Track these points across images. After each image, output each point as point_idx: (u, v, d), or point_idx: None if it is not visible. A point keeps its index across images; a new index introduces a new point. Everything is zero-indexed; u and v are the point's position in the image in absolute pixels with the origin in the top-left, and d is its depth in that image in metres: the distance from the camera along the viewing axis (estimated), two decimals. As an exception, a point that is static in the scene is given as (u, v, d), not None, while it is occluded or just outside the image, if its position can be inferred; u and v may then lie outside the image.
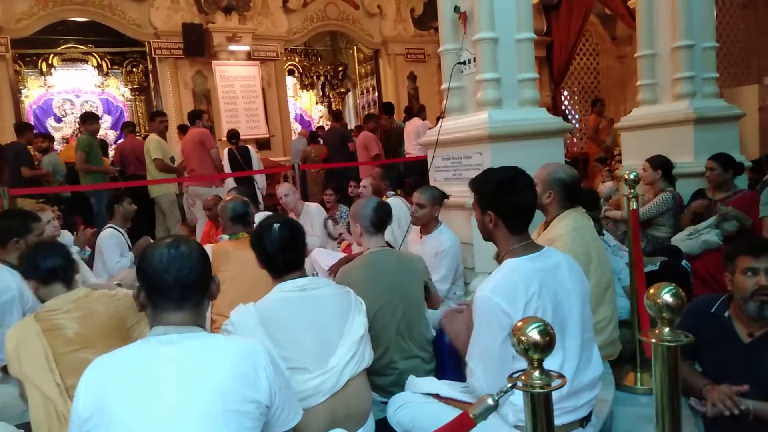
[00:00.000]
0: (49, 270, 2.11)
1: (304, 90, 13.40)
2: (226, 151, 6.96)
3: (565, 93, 10.12)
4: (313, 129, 11.64)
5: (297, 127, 12.43)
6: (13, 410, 2.46)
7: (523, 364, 1.10)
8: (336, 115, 8.81)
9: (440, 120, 3.87)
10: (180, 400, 1.25)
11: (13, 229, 2.82)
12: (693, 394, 1.98)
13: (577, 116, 10.26)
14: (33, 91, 10.98)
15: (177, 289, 1.34)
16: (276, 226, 1.99)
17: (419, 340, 2.43)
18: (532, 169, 2.74)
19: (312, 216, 4.72)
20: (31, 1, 8.13)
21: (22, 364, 1.95)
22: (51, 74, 11.00)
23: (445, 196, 3.36)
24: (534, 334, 1.06)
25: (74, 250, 3.82)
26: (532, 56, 3.57)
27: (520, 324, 1.09)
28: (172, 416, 1.23)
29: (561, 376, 1.08)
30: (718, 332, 2.01)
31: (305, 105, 13.63)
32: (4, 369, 2.63)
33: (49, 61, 10.86)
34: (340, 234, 4.75)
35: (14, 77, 8.95)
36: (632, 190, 2.71)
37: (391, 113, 8.16)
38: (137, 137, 7.85)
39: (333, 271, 3.76)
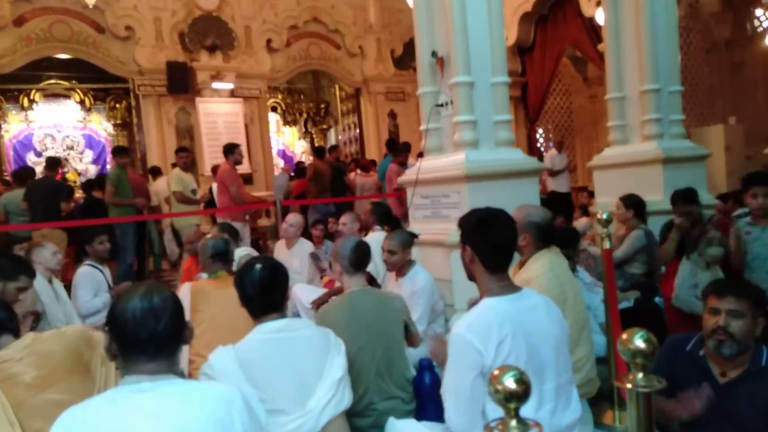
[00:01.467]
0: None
1: (287, 126, 13.54)
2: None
3: (540, 131, 10.40)
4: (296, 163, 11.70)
5: (279, 162, 12.52)
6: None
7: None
8: (330, 149, 8.81)
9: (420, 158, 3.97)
10: None
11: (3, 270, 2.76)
12: (669, 416, 2.01)
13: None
14: (13, 126, 10.91)
15: (151, 345, 1.32)
16: (258, 267, 2.02)
17: (399, 381, 2.42)
18: (508, 209, 2.84)
19: (305, 251, 4.74)
20: (14, 37, 8.16)
21: None
22: (32, 109, 10.96)
23: (414, 236, 3.39)
24: (510, 383, 1.06)
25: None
26: (506, 99, 3.70)
27: (496, 372, 1.10)
28: None
29: (537, 424, 1.09)
30: (693, 371, 2.04)
31: (288, 141, 13.75)
32: None
33: (31, 97, 10.85)
34: (324, 269, 4.76)
35: (-6, 113, 8.93)
36: (605, 230, 2.77)
37: (322, 156, 8.26)
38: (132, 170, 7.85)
39: (316, 305, 3.76)
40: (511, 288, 1.85)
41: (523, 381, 1.07)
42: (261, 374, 1.89)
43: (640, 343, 1.15)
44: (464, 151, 3.51)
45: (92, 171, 11.30)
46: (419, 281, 3.16)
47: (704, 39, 8.82)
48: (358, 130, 11.57)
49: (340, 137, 12.74)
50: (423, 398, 2.48)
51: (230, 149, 6.23)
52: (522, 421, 1.07)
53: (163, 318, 1.33)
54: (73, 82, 11.00)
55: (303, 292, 4.03)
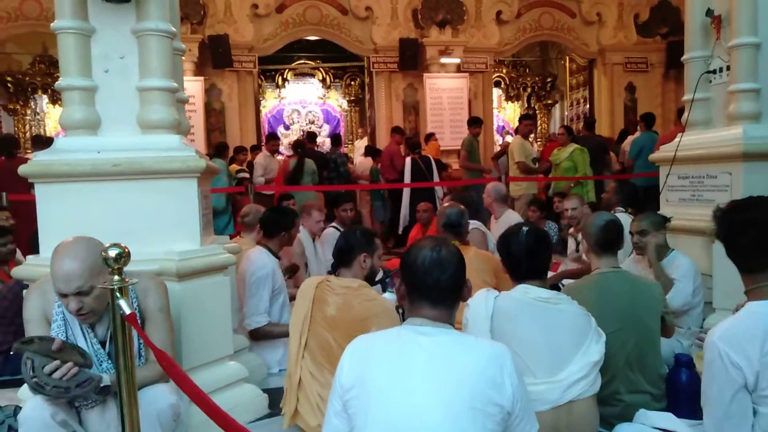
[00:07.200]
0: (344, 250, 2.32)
1: (509, 102, 13.25)
2: (408, 160, 7.34)
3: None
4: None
5: (498, 140, 12.35)
6: (258, 375, 2.86)
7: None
8: (589, 124, 8.27)
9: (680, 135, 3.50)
10: (430, 387, 1.31)
11: (282, 223, 3.30)
12: None
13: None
14: (269, 102, 12.62)
15: (434, 292, 1.42)
16: (524, 230, 2.05)
17: (650, 375, 2.25)
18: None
19: (510, 221, 4.65)
20: (276, 23, 9.37)
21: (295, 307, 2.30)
22: (284, 87, 12.55)
23: (666, 219, 3.06)
24: None
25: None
26: (805, 63, 3.06)
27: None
28: (422, 401, 1.31)
29: None
30: None
31: (508, 117, 13.48)
32: (252, 334, 3.04)
33: (284, 76, 12.41)
34: None
35: (257, 90, 10.41)
36: None
37: (592, 129, 7.83)
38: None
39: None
40: None
41: None
42: (513, 329, 1.91)
43: None
44: (741, 125, 3.02)
45: (328, 143, 12.53)
46: (681, 265, 2.92)
47: None
48: (588, 105, 10.80)
49: (566, 113, 12.06)
50: (677, 397, 2.28)
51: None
52: None
53: (447, 270, 1.42)
54: (318, 61, 12.26)
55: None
